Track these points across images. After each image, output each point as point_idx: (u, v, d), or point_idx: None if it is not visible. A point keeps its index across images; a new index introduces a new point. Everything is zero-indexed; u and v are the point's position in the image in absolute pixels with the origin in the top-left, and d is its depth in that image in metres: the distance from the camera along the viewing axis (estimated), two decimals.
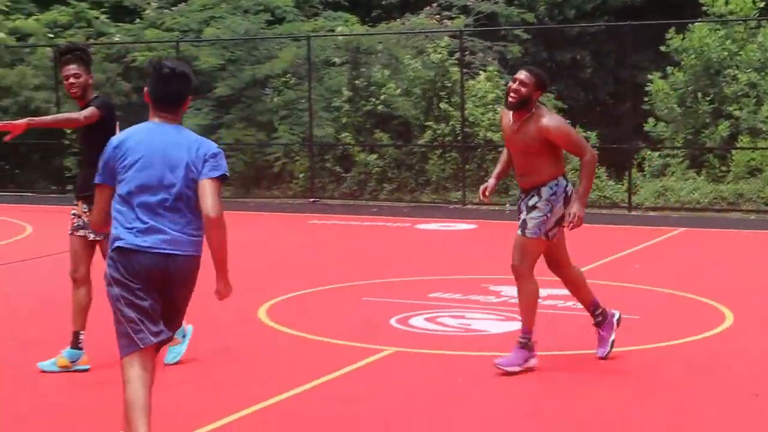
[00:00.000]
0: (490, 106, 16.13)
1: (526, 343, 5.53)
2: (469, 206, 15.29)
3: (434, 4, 18.51)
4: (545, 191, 5.56)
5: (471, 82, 16.58)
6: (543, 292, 7.49)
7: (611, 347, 5.78)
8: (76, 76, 5.63)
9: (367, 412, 5.18)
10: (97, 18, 19.03)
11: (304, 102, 16.58)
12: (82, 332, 5.65)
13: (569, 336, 6.67)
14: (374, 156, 16.50)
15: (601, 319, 5.77)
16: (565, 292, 6.84)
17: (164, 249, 3.79)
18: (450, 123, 15.97)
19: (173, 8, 18.71)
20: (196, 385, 5.55)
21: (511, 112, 5.72)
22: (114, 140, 3.99)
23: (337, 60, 17.46)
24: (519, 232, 5.64)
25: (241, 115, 17.35)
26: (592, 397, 5.36)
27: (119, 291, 3.77)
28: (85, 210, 5.55)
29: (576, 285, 5.84)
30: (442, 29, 17.53)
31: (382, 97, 16.37)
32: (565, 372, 5.81)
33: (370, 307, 7.86)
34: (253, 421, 4.96)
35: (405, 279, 9.31)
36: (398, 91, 16.48)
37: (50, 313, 7.22)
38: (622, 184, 15.17)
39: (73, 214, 5.71)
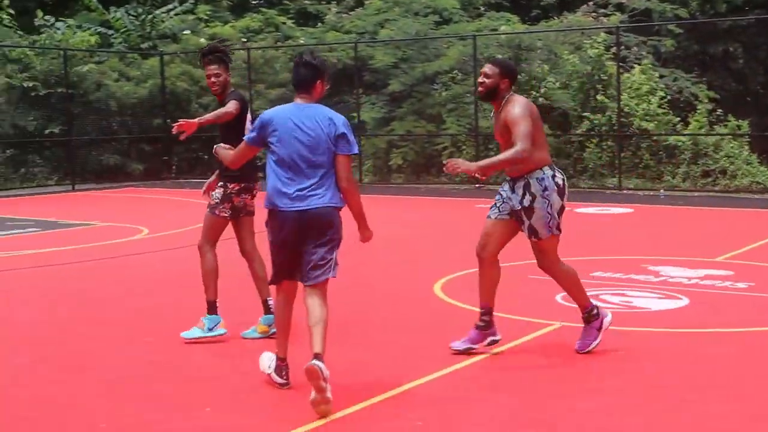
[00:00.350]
0: (645, 97, 16.78)
1: (590, 315, 5.51)
2: (625, 191, 15.97)
3: (590, 2, 19.15)
4: (535, 187, 5.32)
5: (626, 75, 17.21)
6: (700, 272, 8.09)
7: (466, 349, 5.52)
8: (216, 75, 6.00)
9: (541, 379, 5.18)
10: (284, 23, 20.72)
11: (470, 96, 17.66)
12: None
13: (731, 314, 6.72)
14: None
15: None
16: (724, 272, 7.44)
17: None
18: (606, 114, 16.72)
19: (351, 13, 20.17)
20: (377, 352, 5.68)
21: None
22: (265, 115, 4.78)
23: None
24: (531, 237, 5.45)
25: (412, 109, 18.56)
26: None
27: None
28: (225, 191, 5.93)
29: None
30: (599, 26, 18.20)
31: (542, 90, 17.24)
32: (732, 347, 5.75)
33: (536, 285, 7.69)
34: (438, 385, 5.03)
35: (567, 258, 8.68)
36: (557, 84, 17.34)
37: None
38: None
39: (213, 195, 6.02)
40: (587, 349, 5.48)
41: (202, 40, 20.41)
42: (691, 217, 13.42)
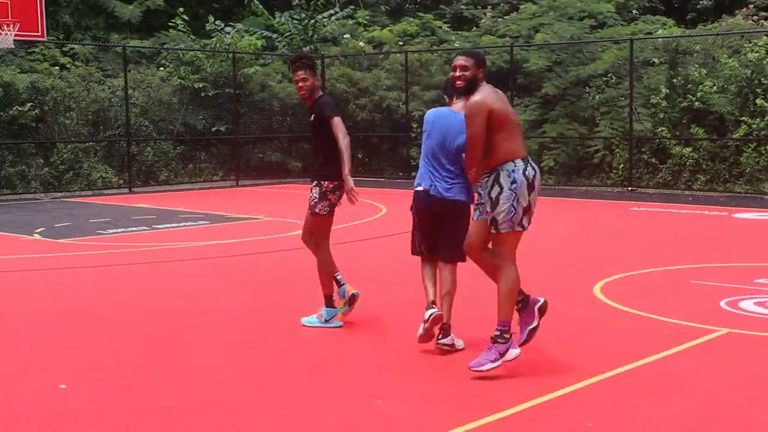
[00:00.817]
0: None
1: (501, 335, 5.02)
2: None
3: (751, 6, 18.52)
4: (504, 179, 5.04)
5: None
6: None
7: (528, 335, 5.22)
8: (303, 80, 6.17)
9: (704, 386, 5.01)
10: (439, 27, 20.95)
11: (624, 99, 17.43)
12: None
13: None
14: (689, 149, 17.00)
15: (520, 306, 5.24)
16: None
17: None
18: (765, 118, 16.16)
19: (506, 17, 20.21)
20: (541, 353, 5.53)
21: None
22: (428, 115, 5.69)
23: (655, 60, 18.10)
24: (492, 229, 5.09)
25: (564, 111, 18.50)
26: None
27: None
28: (320, 190, 6.11)
29: (492, 269, 5.23)
30: (759, 29, 17.63)
31: (699, 94, 16.82)
32: None
33: (699, 290, 7.63)
34: (604, 387, 4.94)
35: (730, 264, 8.94)
36: (714, 88, 16.87)
37: (405, 279, 7.49)
38: None
39: (312, 196, 6.18)
40: (480, 368, 4.97)
41: (361, 43, 20.97)
42: None
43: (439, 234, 5.56)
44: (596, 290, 7.68)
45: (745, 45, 17.01)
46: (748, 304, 7.10)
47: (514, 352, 5.06)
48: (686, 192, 16.63)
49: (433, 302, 5.49)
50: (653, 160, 17.55)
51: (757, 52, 16.51)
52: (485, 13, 20.78)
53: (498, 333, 5.02)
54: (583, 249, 10.44)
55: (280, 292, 7.83)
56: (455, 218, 5.50)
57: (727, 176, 16.72)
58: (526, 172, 5.02)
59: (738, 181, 16.61)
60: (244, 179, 20.26)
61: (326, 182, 6.12)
